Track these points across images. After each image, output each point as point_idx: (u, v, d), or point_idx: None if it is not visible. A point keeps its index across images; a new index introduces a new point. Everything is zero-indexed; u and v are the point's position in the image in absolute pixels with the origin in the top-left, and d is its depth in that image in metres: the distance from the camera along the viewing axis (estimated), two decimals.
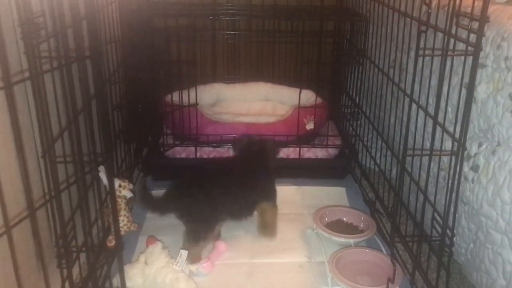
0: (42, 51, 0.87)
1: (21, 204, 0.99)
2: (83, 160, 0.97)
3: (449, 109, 1.21)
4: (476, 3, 0.96)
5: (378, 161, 1.66)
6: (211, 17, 1.78)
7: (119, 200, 1.33)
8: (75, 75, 0.95)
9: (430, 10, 0.96)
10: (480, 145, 1.13)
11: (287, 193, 1.57)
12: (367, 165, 1.80)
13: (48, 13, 0.88)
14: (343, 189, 1.70)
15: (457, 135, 1.02)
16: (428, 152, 1.08)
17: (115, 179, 1.32)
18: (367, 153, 1.76)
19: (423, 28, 1.00)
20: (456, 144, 1.02)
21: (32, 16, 0.84)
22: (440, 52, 0.98)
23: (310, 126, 1.79)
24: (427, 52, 1.00)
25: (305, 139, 1.79)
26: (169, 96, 1.80)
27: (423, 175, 1.18)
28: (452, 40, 0.98)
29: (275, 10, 1.86)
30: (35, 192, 1.07)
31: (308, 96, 1.91)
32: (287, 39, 2.11)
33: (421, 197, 1.16)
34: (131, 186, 1.37)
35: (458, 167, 1.02)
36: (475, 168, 1.13)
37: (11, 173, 0.97)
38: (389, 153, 1.54)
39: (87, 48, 0.92)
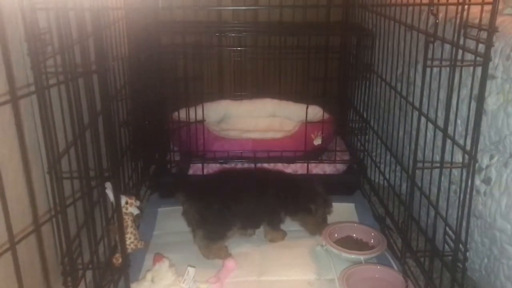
0: (49, 67, 0.88)
1: (27, 220, 0.98)
2: (89, 176, 0.97)
3: (458, 121, 1.20)
4: (483, 15, 0.95)
5: (387, 176, 1.64)
6: (217, 34, 1.79)
7: (125, 217, 1.32)
8: (82, 91, 0.95)
9: (437, 20, 0.95)
10: (491, 157, 1.11)
11: None
12: (376, 180, 1.77)
13: (55, 30, 0.89)
14: (352, 205, 1.68)
15: (467, 148, 1.00)
16: (439, 165, 1.06)
17: (122, 196, 1.31)
18: (376, 168, 1.74)
19: (431, 38, 0.99)
20: (467, 156, 1.01)
21: (39, 33, 0.85)
22: (448, 63, 0.97)
23: (317, 141, 1.77)
24: (435, 63, 0.99)
25: (313, 154, 1.77)
26: (176, 113, 1.80)
27: (434, 190, 1.16)
28: (460, 52, 0.97)
29: (281, 27, 1.87)
30: (41, 208, 1.06)
31: (315, 112, 1.90)
32: (293, 55, 2.11)
33: (432, 212, 1.14)
34: (138, 203, 1.36)
35: (470, 180, 1.00)
36: (487, 181, 1.11)
37: (18, 188, 0.96)
38: (398, 168, 1.52)
39: (93, 63, 0.92)
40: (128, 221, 1.33)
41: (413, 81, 1.47)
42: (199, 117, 1.72)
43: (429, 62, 0.99)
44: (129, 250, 1.34)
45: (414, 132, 1.16)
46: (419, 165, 1.10)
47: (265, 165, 1.75)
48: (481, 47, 0.94)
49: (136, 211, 1.34)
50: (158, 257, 1.30)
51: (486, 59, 0.92)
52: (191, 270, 1.19)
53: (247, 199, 1.37)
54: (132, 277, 1.23)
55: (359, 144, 1.87)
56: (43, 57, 0.84)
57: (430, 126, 1.15)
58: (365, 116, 1.84)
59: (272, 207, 1.42)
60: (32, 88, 0.83)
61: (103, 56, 0.91)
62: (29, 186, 0.76)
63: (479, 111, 0.97)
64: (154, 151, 1.87)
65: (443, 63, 1.04)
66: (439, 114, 1.23)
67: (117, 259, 1.26)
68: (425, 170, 1.18)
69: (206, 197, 1.34)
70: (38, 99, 0.79)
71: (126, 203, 1.32)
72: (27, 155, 0.73)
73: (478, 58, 0.95)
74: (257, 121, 2.07)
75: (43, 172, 1.09)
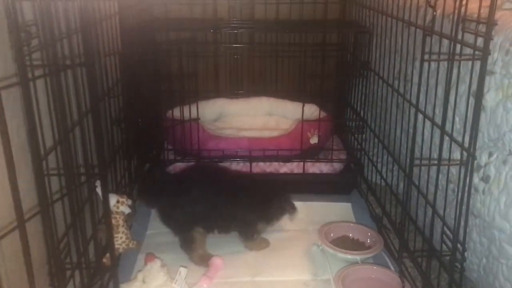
0: (35, 59, 0.85)
1: (13, 218, 0.95)
2: (79, 173, 0.94)
3: (456, 118, 1.17)
4: (482, 10, 0.93)
5: (384, 176, 1.62)
6: (212, 31, 1.77)
7: (117, 216, 1.29)
8: (72, 86, 0.92)
9: (435, 13, 0.93)
10: (490, 154, 1.08)
11: None
12: (373, 179, 1.75)
13: (41, 22, 0.86)
14: (349, 204, 1.65)
15: (465, 145, 0.98)
16: (436, 162, 1.04)
17: (113, 194, 1.29)
18: (373, 168, 1.72)
19: (428, 32, 0.97)
20: (465, 154, 0.98)
21: (24, 24, 0.82)
22: (446, 57, 0.95)
23: (314, 140, 1.75)
24: (433, 57, 0.96)
25: (309, 153, 1.75)
26: (170, 111, 1.78)
27: (431, 188, 1.14)
28: (458, 46, 0.95)
29: (277, 24, 1.84)
30: (31, 206, 1.03)
31: (312, 110, 1.88)
32: (290, 52, 2.09)
33: (429, 211, 1.12)
34: (129, 202, 1.33)
35: (468, 178, 0.98)
36: (485, 179, 1.09)
37: (5, 185, 0.93)
38: (395, 167, 1.50)
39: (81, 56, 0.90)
40: (120, 220, 1.30)
41: (410, 78, 1.45)
42: (194, 115, 1.70)
43: (426, 56, 0.97)
44: (120, 250, 1.31)
45: (411, 130, 1.13)
46: (417, 162, 1.07)
47: (261, 164, 1.73)
48: (480, 42, 0.92)
49: (127, 210, 1.31)
50: (149, 257, 1.28)
51: (485, 52, 0.89)
52: (183, 271, 1.17)
53: (211, 199, 1.32)
54: (123, 277, 1.21)
55: (356, 143, 1.85)
56: (28, 49, 0.81)
57: (428, 123, 1.13)
58: (362, 114, 1.81)
59: (244, 217, 1.35)
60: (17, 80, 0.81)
61: (91, 48, 0.89)
62: (12, 181, 0.74)
63: (478, 107, 0.95)
64: (148, 150, 1.84)
65: (441, 57, 1.02)
66: (436, 111, 1.22)
67: (108, 259, 1.23)
68: (423, 168, 1.17)
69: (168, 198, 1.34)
70: (22, 91, 0.76)
71: (117, 201, 1.29)
72: (10, 147, 0.70)
73: (477, 52, 0.92)
74: (253, 119, 2.05)
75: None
